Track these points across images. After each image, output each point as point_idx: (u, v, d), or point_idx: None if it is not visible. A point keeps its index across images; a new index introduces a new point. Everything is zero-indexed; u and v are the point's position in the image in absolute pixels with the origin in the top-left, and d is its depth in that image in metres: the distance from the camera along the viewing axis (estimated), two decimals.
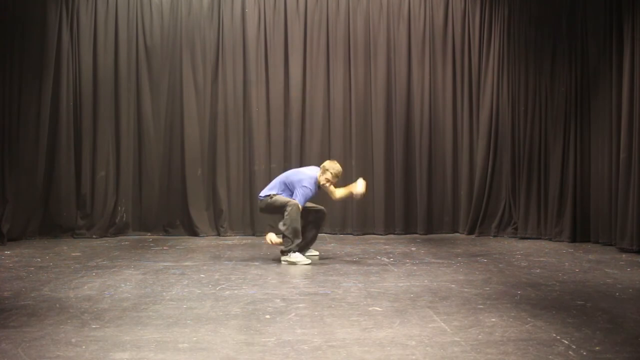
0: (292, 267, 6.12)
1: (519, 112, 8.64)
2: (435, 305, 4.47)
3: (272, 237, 6.53)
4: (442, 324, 3.96)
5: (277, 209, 6.46)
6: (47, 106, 8.30)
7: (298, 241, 6.30)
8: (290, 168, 8.85)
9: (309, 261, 6.32)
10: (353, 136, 8.95)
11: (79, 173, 8.55)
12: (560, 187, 8.18)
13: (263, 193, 6.64)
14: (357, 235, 8.79)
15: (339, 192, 6.68)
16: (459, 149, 9.05)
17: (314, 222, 6.67)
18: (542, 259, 6.66)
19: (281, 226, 6.31)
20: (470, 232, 8.78)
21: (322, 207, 6.76)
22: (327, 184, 6.54)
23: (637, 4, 7.00)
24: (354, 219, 8.88)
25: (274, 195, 6.49)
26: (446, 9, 9.10)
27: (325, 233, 8.80)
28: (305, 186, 6.43)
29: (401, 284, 5.21)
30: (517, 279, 5.48)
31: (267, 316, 4.16)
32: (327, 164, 6.60)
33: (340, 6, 9.03)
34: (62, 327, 3.88)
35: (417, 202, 8.93)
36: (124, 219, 8.68)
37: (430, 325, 3.91)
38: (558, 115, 8.24)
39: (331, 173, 6.49)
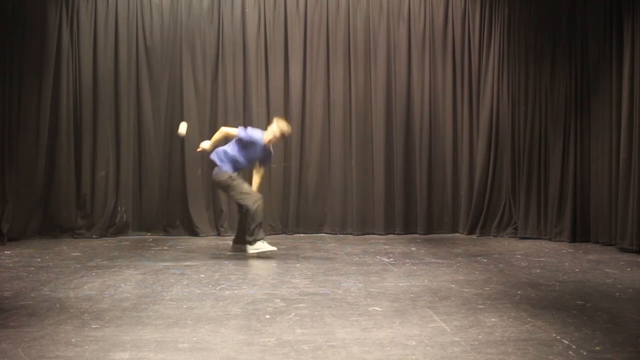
0: (293, 267, 6.12)
1: (519, 112, 8.64)
2: (435, 305, 4.47)
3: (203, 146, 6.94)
4: (442, 324, 3.96)
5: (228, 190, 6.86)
6: (47, 106, 8.30)
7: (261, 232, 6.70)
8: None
9: (274, 248, 6.73)
10: (353, 136, 8.95)
11: (79, 173, 8.55)
12: (560, 187, 8.18)
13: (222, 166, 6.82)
14: (357, 235, 8.78)
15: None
16: (459, 149, 9.05)
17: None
18: (542, 259, 6.66)
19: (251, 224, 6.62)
20: (470, 232, 8.78)
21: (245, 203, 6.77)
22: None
23: (637, 4, 7.01)
24: (354, 219, 8.87)
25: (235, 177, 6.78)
26: (446, 9, 9.10)
27: (325, 233, 8.81)
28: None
29: (401, 284, 5.21)
30: (517, 279, 5.48)
31: (267, 316, 4.16)
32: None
33: (340, 6, 9.02)
34: (62, 327, 3.88)
35: (417, 202, 8.92)
36: (124, 219, 8.68)
37: (430, 325, 3.91)
38: (558, 115, 8.24)
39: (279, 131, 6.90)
